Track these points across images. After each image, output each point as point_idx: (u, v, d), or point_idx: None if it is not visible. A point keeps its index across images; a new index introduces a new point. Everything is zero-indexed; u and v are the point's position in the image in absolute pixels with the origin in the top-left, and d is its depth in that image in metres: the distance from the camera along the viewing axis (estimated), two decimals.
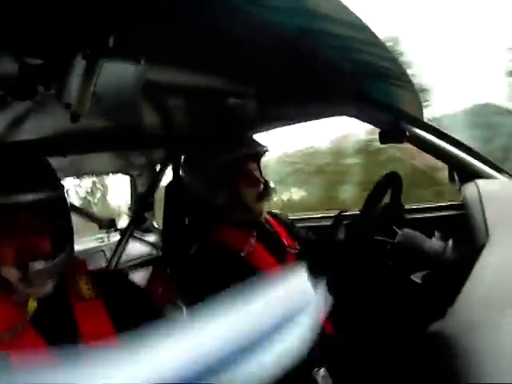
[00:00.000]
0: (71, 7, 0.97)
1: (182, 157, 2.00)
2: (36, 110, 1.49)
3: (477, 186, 1.71)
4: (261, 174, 1.87)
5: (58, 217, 1.25)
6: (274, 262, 1.75)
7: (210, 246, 1.75)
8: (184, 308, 1.90)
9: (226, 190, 1.78)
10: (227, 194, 1.78)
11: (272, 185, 1.84)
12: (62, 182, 1.29)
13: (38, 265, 1.12)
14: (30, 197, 1.13)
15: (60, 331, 1.17)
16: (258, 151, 1.87)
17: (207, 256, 1.72)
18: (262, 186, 1.81)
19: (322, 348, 1.59)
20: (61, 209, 1.26)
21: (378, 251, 1.72)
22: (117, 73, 1.10)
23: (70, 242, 1.27)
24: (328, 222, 2.45)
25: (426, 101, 7.21)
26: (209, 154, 1.80)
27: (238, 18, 1.07)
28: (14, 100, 1.21)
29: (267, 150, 1.91)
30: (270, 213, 1.97)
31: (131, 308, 1.32)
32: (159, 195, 2.78)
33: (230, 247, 1.73)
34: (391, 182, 1.67)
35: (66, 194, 1.28)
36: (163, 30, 1.14)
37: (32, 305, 1.17)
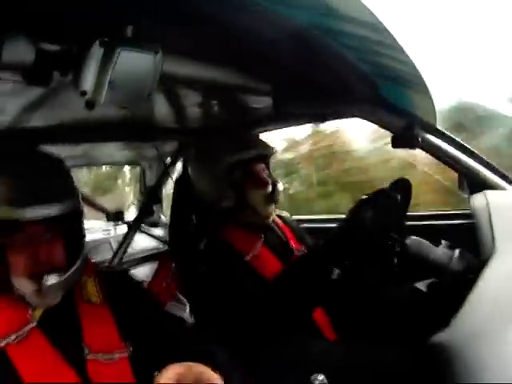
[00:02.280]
0: None
1: (192, 153, 2.00)
2: (51, 96, 1.50)
3: (486, 197, 1.71)
4: (270, 174, 1.85)
5: (72, 228, 1.23)
6: (279, 267, 1.73)
7: (218, 244, 1.74)
8: (187, 304, 1.91)
9: (234, 192, 1.77)
10: (235, 196, 1.77)
11: (281, 186, 1.83)
12: (78, 190, 1.26)
13: (52, 279, 1.10)
14: (47, 211, 1.11)
15: (66, 336, 1.17)
16: (266, 152, 1.85)
17: (216, 253, 1.71)
18: (270, 188, 1.79)
19: (322, 354, 1.59)
20: (76, 220, 1.24)
21: (383, 258, 1.71)
22: (134, 62, 1.11)
23: (83, 252, 1.24)
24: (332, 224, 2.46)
25: None
26: (217, 155, 1.78)
27: (257, 15, 1.08)
28: (30, 85, 1.20)
29: (275, 151, 1.90)
30: (277, 215, 1.96)
31: (138, 312, 1.31)
32: (168, 190, 2.80)
33: (236, 249, 1.72)
34: (400, 188, 1.63)
35: (81, 204, 1.25)
36: (179, 23, 1.14)
37: (39, 311, 1.17)
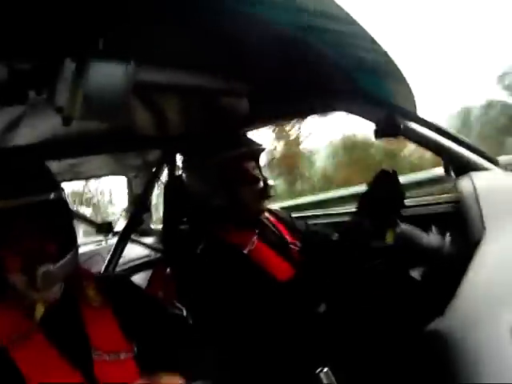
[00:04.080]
0: (60, 10, 0.97)
1: (180, 157, 2.00)
2: (29, 114, 1.49)
3: (471, 179, 1.71)
4: (260, 172, 1.86)
5: (60, 219, 1.24)
6: (278, 260, 1.75)
7: (216, 246, 1.74)
8: (184, 310, 1.90)
9: (225, 190, 1.77)
10: (226, 194, 1.77)
11: (271, 182, 1.83)
12: (59, 184, 1.29)
13: (45, 268, 1.11)
14: (29, 199, 1.13)
15: (69, 337, 1.18)
16: (254, 149, 1.86)
17: (214, 255, 1.71)
18: (261, 184, 1.80)
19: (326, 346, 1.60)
20: (62, 210, 1.26)
21: (375, 248, 1.72)
22: (107, 75, 1.10)
23: (74, 243, 1.26)
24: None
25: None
26: (206, 154, 1.80)
27: (232, 16, 1.07)
28: (5, 105, 1.20)
29: (264, 149, 1.91)
30: (269, 211, 1.96)
31: (139, 314, 1.32)
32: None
33: (234, 246, 1.73)
34: (385, 180, 1.66)
35: (65, 196, 1.27)
36: (155, 30, 1.13)
37: (40, 310, 1.17)
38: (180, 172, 1.95)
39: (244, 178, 1.79)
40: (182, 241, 1.94)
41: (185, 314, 1.86)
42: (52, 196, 1.19)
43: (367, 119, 1.89)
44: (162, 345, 1.28)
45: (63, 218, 1.26)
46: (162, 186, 2.38)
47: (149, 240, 2.91)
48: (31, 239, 1.15)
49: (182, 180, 1.93)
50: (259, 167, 1.88)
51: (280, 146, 11.20)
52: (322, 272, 1.66)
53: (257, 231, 1.81)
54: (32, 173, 1.21)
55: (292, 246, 1.86)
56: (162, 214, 2.21)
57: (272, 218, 1.96)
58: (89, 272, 1.40)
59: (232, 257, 1.70)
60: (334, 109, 1.90)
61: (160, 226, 2.41)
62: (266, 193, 1.81)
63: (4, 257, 1.13)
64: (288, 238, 1.90)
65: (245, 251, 1.72)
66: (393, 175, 1.64)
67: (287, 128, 10.81)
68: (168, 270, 2.12)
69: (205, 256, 1.72)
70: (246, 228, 1.81)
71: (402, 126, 1.80)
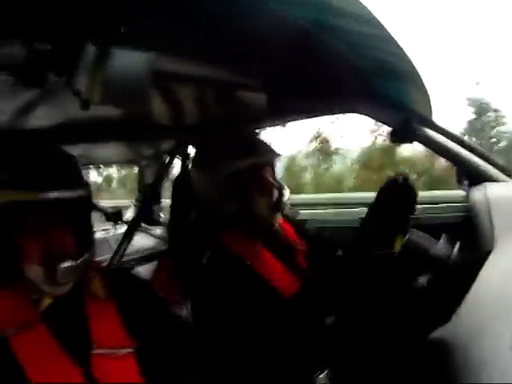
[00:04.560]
0: None
1: (192, 155, 1.97)
2: (46, 97, 1.49)
3: (485, 190, 1.70)
4: (275, 180, 1.80)
5: (82, 216, 1.25)
6: (283, 272, 1.72)
7: (222, 256, 1.69)
8: (188, 306, 1.90)
9: (239, 198, 1.73)
10: (239, 202, 1.73)
11: (287, 191, 1.79)
12: (87, 182, 1.30)
13: (67, 264, 1.12)
14: (57, 194, 1.13)
15: (71, 329, 1.18)
16: (272, 158, 1.82)
17: (220, 267, 1.67)
18: (275, 194, 1.75)
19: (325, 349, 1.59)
20: (86, 207, 1.27)
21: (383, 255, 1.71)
22: (127, 61, 1.10)
23: (93, 241, 1.28)
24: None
25: None
26: (222, 160, 1.73)
27: (252, 12, 1.07)
28: (24, 87, 1.20)
29: (280, 156, 1.87)
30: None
31: (143, 311, 1.32)
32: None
33: (240, 257, 1.68)
34: (397, 187, 1.62)
35: (90, 192, 1.28)
36: (176, 20, 1.13)
37: (47, 302, 1.17)
38: (192, 173, 1.91)
39: (259, 188, 1.74)
40: (185, 237, 1.92)
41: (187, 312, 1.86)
42: (79, 192, 1.20)
43: (383, 123, 1.89)
44: (162, 344, 1.28)
45: (86, 215, 1.28)
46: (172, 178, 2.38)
47: (158, 230, 2.91)
48: (54, 233, 1.14)
49: (193, 180, 1.89)
50: (274, 176, 1.82)
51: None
52: (327, 286, 1.64)
53: (263, 240, 1.77)
54: (61, 166, 1.22)
55: (299, 252, 1.84)
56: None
57: (283, 223, 1.91)
58: (96, 263, 1.40)
59: (237, 269, 1.65)
60: (352, 110, 1.89)
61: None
62: (279, 204, 1.76)
63: (23, 246, 1.13)
64: (296, 242, 1.87)
65: (249, 262, 1.68)
66: (403, 182, 1.61)
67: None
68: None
69: (211, 267, 1.67)
70: (253, 238, 1.76)
71: (418, 132, 1.79)
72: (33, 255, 1.12)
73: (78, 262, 1.15)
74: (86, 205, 1.26)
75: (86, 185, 1.26)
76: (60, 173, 1.19)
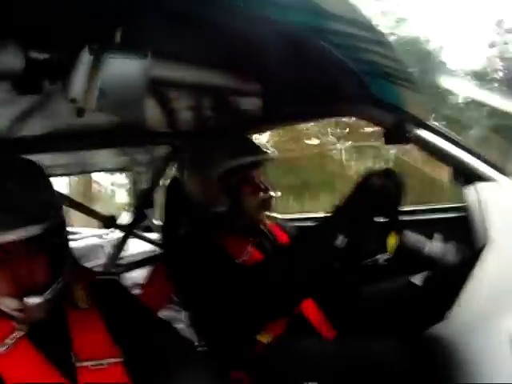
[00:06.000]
0: (78, 1, 0.97)
1: (185, 158, 1.98)
2: (41, 105, 1.49)
3: (478, 189, 1.72)
4: (264, 180, 1.81)
5: (55, 244, 1.15)
6: None
7: (210, 251, 1.70)
8: (182, 309, 1.90)
9: (228, 198, 1.75)
10: (229, 202, 1.75)
11: (274, 192, 1.80)
12: (59, 203, 1.19)
13: (33, 300, 1.05)
14: (24, 233, 1.01)
15: (54, 342, 1.14)
16: (262, 158, 1.83)
17: (207, 260, 1.67)
18: (264, 194, 1.77)
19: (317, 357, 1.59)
20: (58, 235, 1.15)
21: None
22: (123, 68, 1.11)
23: (67, 266, 1.17)
24: None
25: None
26: (213, 161, 1.75)
27: (246, 17, 1.08)
28: (20, 94, 1.20)
29: (270, 156, 1.89)
30: (268, 217, 1.94)
31: (128, 321, 1.28)
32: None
33: (229, 254, 1.69)
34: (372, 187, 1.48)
35: (64, 217, 1.17)
36: (170, 26, 1.14)
37: (26, 327, 1.12)
38: (184, 174, 1.91)
39: (248, 188, 1.76)
40: (178, 240, 1.92)
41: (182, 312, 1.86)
42: (49, 224, 1.06)
43: (377, 125, 1.90)
44: (148, 354, 1.23)
45: (59, 241, 1.16)
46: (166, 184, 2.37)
47: (152, 236, 2.91)
48: (24, 266, 1.07)
49: (182, 182, 1.90)
50: (264, 176, 1.83)
51: None
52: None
53: (253, 240, 1.78)
54: (29, 196, 1.07)
55: None
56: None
57: (274, 228, 1.94)
58: (84, 271, 1.35)
59: (225, 266, 1.65)
60: (344, 113, 1.90)
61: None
62: (268, 203, 1.79)
63: None
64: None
65: (239, 260, 1.68)
66: (381, 180, 1.46)
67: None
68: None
69: (203, 266, 1.66)
70: (243, 237, 1.78)
71: (411, 133, 1.80)
72: (2, 287, 1.07)
73: (48, 293, 1.08)
74: (58, 231, 1.15)
75: (58, 207, 1.15)
76: (28, 204, 1.06)
